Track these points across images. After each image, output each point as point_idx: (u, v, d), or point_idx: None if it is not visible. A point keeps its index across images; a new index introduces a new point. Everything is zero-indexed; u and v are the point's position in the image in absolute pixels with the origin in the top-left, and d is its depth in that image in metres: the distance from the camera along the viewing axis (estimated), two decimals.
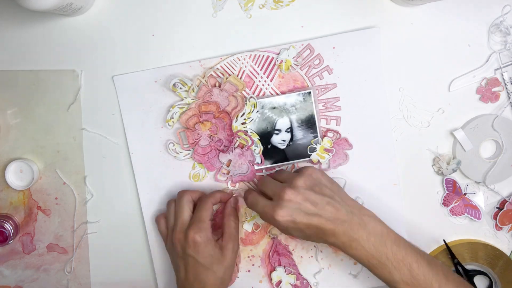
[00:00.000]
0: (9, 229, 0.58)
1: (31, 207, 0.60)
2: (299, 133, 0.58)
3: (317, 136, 0.58)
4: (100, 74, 0.59)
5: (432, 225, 0.60)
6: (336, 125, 0.59)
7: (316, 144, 0.58)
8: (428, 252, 0.61)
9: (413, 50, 0.58)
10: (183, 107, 0.58)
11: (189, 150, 0.58)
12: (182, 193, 0.56)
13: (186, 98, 0.58)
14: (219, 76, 0.58)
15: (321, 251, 0.60)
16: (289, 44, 0.57)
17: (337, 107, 0.58)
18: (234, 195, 0.59)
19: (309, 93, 0.57)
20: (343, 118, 0.58)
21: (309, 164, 0.59)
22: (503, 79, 0.58)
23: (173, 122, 0.58)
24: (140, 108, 0.58)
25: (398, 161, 0.59)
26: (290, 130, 0.58)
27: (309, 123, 0.58)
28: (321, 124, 0.59)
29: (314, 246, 0.60)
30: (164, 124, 0.58)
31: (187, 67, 0.58)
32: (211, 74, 0.57)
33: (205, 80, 0.57)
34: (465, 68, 0.59)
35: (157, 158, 0.59)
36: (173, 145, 0.58)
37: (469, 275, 0.60)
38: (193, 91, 0.57)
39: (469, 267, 0.60)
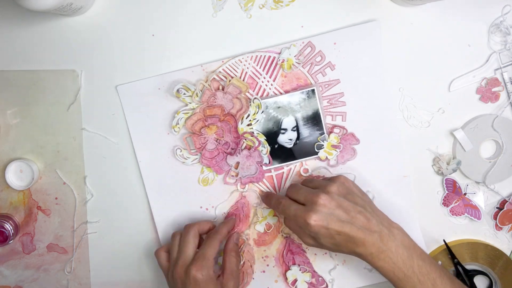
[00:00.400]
0: (9, 229, 0.58)
1: (31, 207, 0.60)
2: (305, 131, 0.58)
3: (323, 133, 0.58)
4: (100, 74, 0.59)
5: (432, 225, 0.60)
6: (342, 120, 0.59)
7: (323, 141, 0.58)
8: (428, 252, 0.61)
9: (413, 50, 0.58)
10: (188, 112, 0.58)
11: (197, 154, 0.58)
12: (188, 227, 0.55)
13: (190, 103, 0.58)
14: (222, 79, 0.58)
15: None
16: (290, 42, 0.57)
17: (342, 102, 0.58)
18: (236, 231, 0.59)
19: (313, 90, 0.58)
20: (348, 113, 0.58)
21: (317, 161, 0.59)
22: (503, 79, 0.58)
23: (178, 128, 0.58)
24: (145, 115, 0.58)
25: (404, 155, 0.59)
26: (296, 128, 0.58)
27: (315, 121, 0.58)
28: (326, 120, 0.59)
29: None
30: (170, 130, 0.58)
31: (189, 72, 0.58)
32: (214, 78, 0.57)
33: (208, 84, 0.57)
34: (465, 68, 0.59)
35: (165, 164, 0.59)
36: (180, 151, 0.58)
37: (469, 275, 0.60)
38: (197, 96, 0.57)
39: (469, 267, 0.60)
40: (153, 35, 0.58)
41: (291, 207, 0.52)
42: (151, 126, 0.59)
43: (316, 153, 0.59)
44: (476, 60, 0.59)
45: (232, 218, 0.59)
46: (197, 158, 0.59)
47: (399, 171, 0.59)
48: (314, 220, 0.49)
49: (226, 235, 0.57)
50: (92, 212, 0.60)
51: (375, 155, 0.59)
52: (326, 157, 0.59)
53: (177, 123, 0.58)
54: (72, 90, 0.59)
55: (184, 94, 0.57)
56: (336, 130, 0.58)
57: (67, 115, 0.59)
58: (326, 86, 0.58)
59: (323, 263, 0.60)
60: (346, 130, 0.59)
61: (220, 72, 0.58)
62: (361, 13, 0.57)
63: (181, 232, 0.56)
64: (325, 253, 0.60)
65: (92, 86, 0.59)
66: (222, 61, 0.58)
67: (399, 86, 0.59)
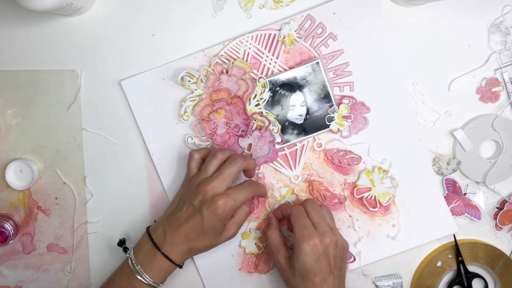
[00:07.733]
0: (9, 229, 0.58)
1: (31, 207, 0.60)
2: (314, 105, 0.58)
3: (333, 105, 0.58)
4: (100, 74, 0.59)
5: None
6: (350, 90, 0.58)
7: (333, 113, 0.58)
8: (429, 252, 0.61)
9: (413, 50, 0.58)
10: (195, 99, 0.58)
11: (208, 141, 0.58)
12: (238, 162, 0.53)
13: (196, 90, 0.57)
14: (225, 62, 0.58)
15: (357, 220, 0.59)
16: (289, 18, 0.57)
17: (348, 72, 0.58)
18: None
19: (317, 63, 0.57)
20: (355, 82, 0.58)
21: (330, 134, 0.58)
22: (503, 79, 0.58)
23: (187, 116, 0.58)
24: (152, 108, 0.58)
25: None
26: (305, 103, 0.58)
27: (323, 93, 0.58)
28: (334, 92, 0.58)
29: (350, 216, 0.59)
30: (179, 120, 0.58)
31: (192, 59, 0.58)
32: (217, 62, 0.57)
33: (212, 69, 0.57)
34: (465, 68, 0.59)
35: (178, 154, 0.59)
36: (192, 139, 0.58)
37: (468, 277, 0.60)
38: (202, 82, 0.57)
39: (470, 268, 0.60)
40: (153, 35, 0.58)
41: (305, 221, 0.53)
42: (159, 118, 0.58)
43: (328, 126, 0.58)
44: (476, 60, 0.59)
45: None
46: (209, 144, 0.58)
47: (413, 134, 0.58)
48: (313, 243, 0.51)
49: (264, 194, 0.57)
50: (92, 212, 0.60)
51: (387, 121, 0.58)
52: (338, 129, 0.58)
53: (185, 111, 0.58)
54: (72, 90, 0.59)
55: (189, 81, 0.57)
56: (345, 100, 0.58)
57: (67, 115, 0.59)
58: (330, 57, 0.58)
59: (347, 236, 0.59)
60: (356, 100, 0.58)
61: (222, 55, 0.58)
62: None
63: (226, 153, 0.54)
64: (348, 227, 0.59)
65: (92, 86, 0.59)
66: (223, 44, 0.58)
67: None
